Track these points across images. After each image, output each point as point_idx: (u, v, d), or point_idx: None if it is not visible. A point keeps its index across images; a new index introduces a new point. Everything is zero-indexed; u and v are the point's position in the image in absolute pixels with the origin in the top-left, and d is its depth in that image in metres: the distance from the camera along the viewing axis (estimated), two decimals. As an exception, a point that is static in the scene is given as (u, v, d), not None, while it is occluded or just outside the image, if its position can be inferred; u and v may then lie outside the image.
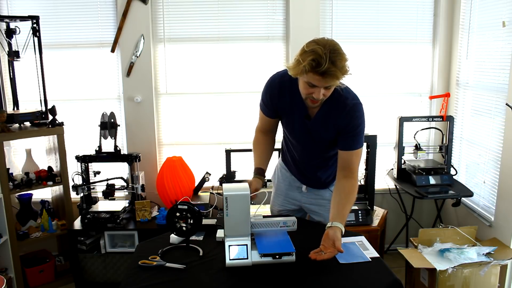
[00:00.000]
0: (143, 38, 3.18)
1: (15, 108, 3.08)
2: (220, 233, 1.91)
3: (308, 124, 1.89)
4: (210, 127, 3.41)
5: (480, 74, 2.97)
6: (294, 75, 1.72)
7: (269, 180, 2.35)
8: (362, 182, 3.16)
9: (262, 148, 2.06)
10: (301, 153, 2.04)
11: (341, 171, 1.89)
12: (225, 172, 3.18)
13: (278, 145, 2.17)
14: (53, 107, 2.96)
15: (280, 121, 2.04)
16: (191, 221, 1.81)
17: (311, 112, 1.87)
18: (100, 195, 3.16)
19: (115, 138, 3.08)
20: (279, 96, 1.89)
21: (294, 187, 2.15)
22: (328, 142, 1.92)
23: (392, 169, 3.27)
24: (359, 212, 2.97)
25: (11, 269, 2.87)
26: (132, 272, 1.64)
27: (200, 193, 3.29)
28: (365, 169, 3.09)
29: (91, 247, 3.00)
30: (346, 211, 1.79)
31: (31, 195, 3.10)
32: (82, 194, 3.05)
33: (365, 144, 3.06)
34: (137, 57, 3.20)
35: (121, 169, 3.32)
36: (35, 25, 2.90)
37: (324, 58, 1.57)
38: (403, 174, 3.16)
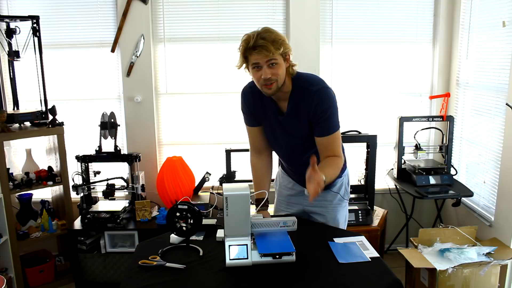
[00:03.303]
0: (143, 38, 3.18)
1: (15, 108, 3.08)
2: (220, 233, 1.91)
3: (282, 122, 1.92)
4: (210, 127, 3.41)
5: (480, 74, 2.97)
6: (239, 67, 1.83)
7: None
8: (362, 182, 3.16)
9: (259, 175, 2.11)
10: (289, 157, 2.07)
11: (323, 156, 1.90)
12: (225, 172, 3.18)
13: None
14: (53, 107, 2.96)
15: None
16: (191, 221, 1.81)
17: (282, 106, 1.91)
18: (100, 195, 3.16)
19: (115, 138, 3.08)
20: (254, 102, 1.98)
21: (296, 191, 2.16)
22: (307, 137, 1.93)
23: (392, 169, 3.27)
24: (359, 212, 2.96)
25: (11, 269, 2.87)
26: (132, 272, 1.64)
27: (200, 193, 3.29)
28: (365, 169, 3.09)
29: (91, 247, 3.00)
30: (328, 171, 1.77)
31: (31, 195, 3.11)
32: (82, 194, 3.06)
33: (365, 144, 3.06)
34: (137, 57, 3.20)
35: (121, 169, 3.32)
36: (35, 25, 2.90)
37: (252, 36, 1.72)
38: (403, 174, 3.15)
